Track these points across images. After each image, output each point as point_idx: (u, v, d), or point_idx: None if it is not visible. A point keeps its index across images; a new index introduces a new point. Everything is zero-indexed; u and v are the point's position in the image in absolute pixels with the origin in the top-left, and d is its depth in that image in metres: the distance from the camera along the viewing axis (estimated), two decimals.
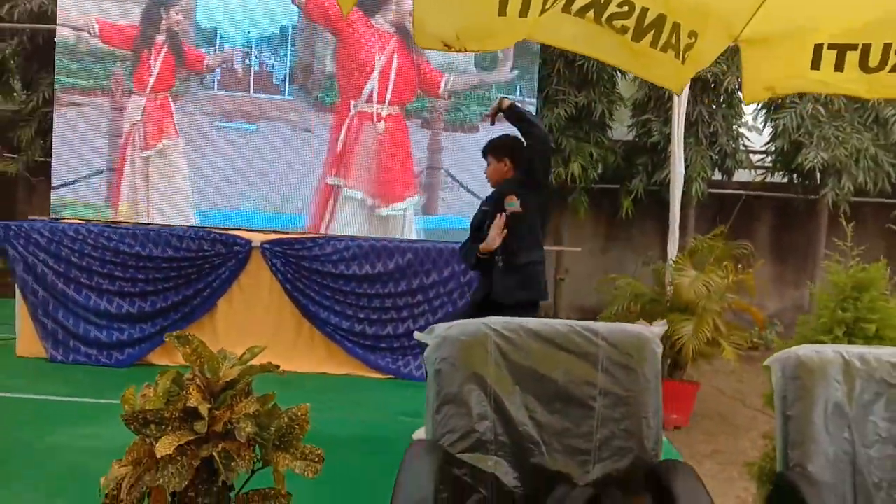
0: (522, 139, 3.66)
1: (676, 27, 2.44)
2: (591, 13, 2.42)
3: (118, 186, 5.48)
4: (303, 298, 4.91)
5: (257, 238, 4.98)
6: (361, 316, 4.92)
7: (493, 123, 3.84)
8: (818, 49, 2.34)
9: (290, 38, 5.49)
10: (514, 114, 3.60)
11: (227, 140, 5.53)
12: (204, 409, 2.06)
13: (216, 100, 5.52)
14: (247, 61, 5.50)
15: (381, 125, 5.48)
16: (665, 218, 5.66)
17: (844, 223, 2.57)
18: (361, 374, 4.93)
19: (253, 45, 5.48)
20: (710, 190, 7.25)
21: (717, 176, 7.31)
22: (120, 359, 4.90)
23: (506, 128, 3.78)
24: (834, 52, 2.31)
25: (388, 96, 5.49)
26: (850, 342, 2.25)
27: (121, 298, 4.92)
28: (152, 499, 2.10)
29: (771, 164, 7.36)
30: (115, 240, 4.87)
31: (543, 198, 3.71)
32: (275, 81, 5.53)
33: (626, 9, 2.41)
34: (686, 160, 6.37)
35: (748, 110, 8.52)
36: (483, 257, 3.62)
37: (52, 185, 5.54)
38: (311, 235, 5.07)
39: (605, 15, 2.43)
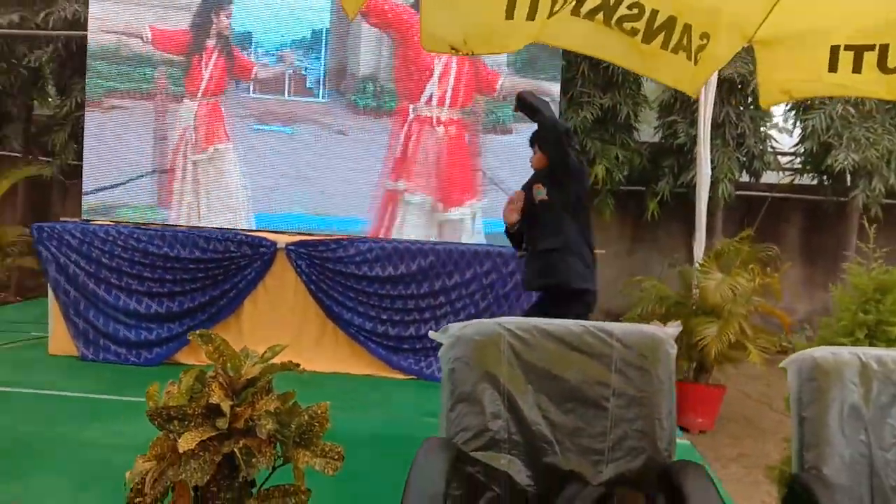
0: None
1: (687, 28, 2.42)
2: (600, 16, 2.41)
3: (170, 189, 5.55)
4: (326, 299, 4.96)
5: (282, 240, 5.04)
6: (384, 317, 4.96)
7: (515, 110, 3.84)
8: (835, 50, 2.29)
9: (323, 41, 5.53)
10: (521, 104, 3.58)
11: (268, 143, 5.57)
12: (226, 405, 2.10)
13: (252, 103, 5.58)
14: (280, 65, 5.55)
15: (441, 129, 5.48)
16: (691, 220, 5.62)
17: (867, 225, 2.53)
18: (384, 375, 4.97)
19: (287, 49, 5.52)
20: (738, 192, 7.17)
21: (745, 178, 7.24)
22: (148, 357, 5.00)
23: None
24: (851, 54, 2.27)
25: (448, 100, 5.50)
26: (871, 345, 2.22)
27: (149, 298, 5.02)
28: (175, 493, 2.14)
29: (800, 166, 7.26)
30: (144, 241, 4.97)
31: (566, 192, 3.63)
32: (308, 85, 5.57)
33: (635, 11, 2.40)
34: (713, 162, 6.31)
35: (777, 112, 8.44)
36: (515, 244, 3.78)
37: (84, 188, 5.65)
38: (335, 237, 5.12)
39: (615, 17, 2.42)
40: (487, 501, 1.76)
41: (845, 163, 6.51)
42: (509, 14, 2.28)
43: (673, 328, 1.85)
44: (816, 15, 2.31)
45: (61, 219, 5.66)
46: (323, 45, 5.54)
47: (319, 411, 2.25)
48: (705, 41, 2.46)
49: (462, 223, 5.56)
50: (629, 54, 2.51)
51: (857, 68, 2.29)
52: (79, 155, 6.37)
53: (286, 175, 5.54)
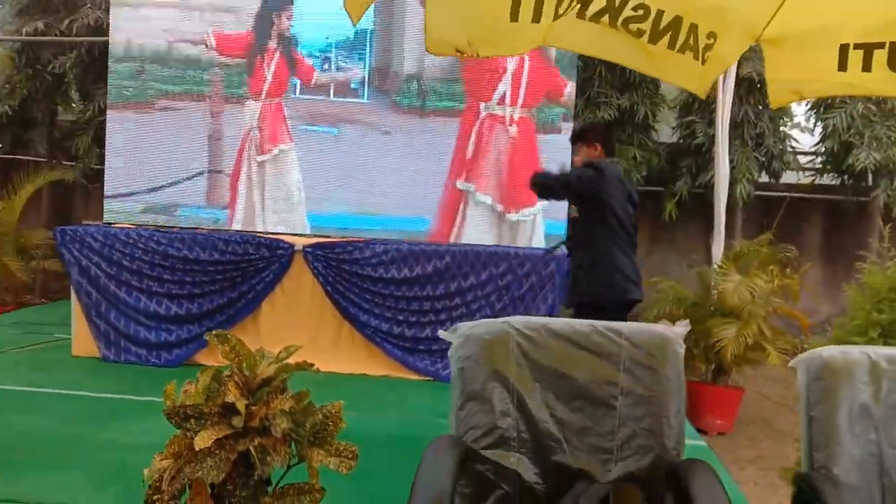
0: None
1: (694, 28, 2.41)
2: (605, 17, 2.41)
3: (234, 190, 5.58)
4: (343, 301, 5.00)
5: (299, 242, 5.08)
6: (400, 318, 4.98)
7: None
8: (844, 49, 2.27)
9: (366, 42, 5.54)
10: (538, 190, 3.84)
11: (317, 144, 5.58)
12: (241, 404, 2.13)
13: (298, 104, 5.60)
14: (325, 66, 5.58)
15: (514, 129, 5.41)
16: (710, 221, 5.59)
17: (881, 224, 2.51)
18: (400, 376, 4.99)
19: (333, 50, 5.56)
20: (758, 192, 7.11)
21: (765, 178, 7.17)
22: (168, 359, 5.06)
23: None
24: (860, 52, 2.24)
25: (521, 99, 5.43)
26: (885, 344, 2.20)
27: (169, 300, 5.09)
28: (192, 490, 2.18)
29: (820, 166, 7.18)
30: (164, 244, 5.04)
31: (585, 212, 3.78)
32: (353, 85, 5.59)
33: (641, 12, 2.39)
34: (731, 162, 6.26)
35: (799, 111, 8.35)
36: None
37: (130, 189, 5.69)
38: (352, 239, 5.15)
39: (621, 19, 2.41)
40: (497, 499, 1.78)
41: (866, 162, 6.43)
42: (514, 16, 2.29)
43: (681, 327, 1.85)
44: (824, 14, 2.29)
45: (83, 222, 5.75)
46: (367, 46, 5.55)
47: (333, 411, 2.28)
48: (712, 40, 2.45)
49: (524, 225, 5.51)
50: (636, 55, 2.51)
51: (866, 67, 2.26)
52: (101, 159, 6.47)
53: (336, 175, 5.55)
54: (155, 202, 5.65)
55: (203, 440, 2.03)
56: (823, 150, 6.98)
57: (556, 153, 5.17)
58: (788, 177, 7.35)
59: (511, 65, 5.42)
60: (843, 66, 2.29)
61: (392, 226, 5.49)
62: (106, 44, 6.04)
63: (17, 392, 4.32)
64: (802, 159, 7.49)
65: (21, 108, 7.89)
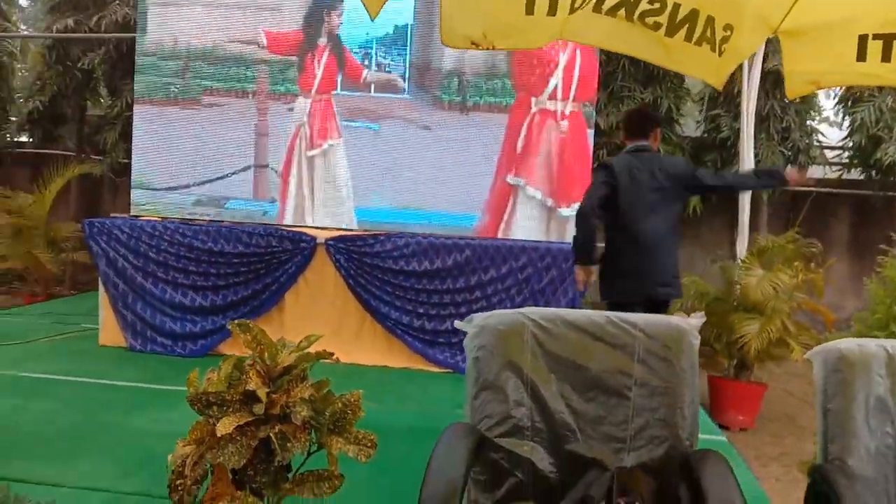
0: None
1: (710, 20, 2.39)
2: (622, 11, 2.39)
3: (285, 184, 5.63)
4: (364, 293, 5.04)
5: (322, 235, 5.13)
6: (421, 311, 5.01)
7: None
8: (863, 40, 2.24)
9: (407, 37, 5.55)
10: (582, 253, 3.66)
11: (359, 139, 5.61)
12: (262, 392, 2.17)
13: (339, 100, 5.63)
14: (366, 62, 5.61)
15: (565, 123, 5.36)
16: (735, 215, 5.54)
17: None
18: (421, 368, 5.02)
19: (373, 46, 5.58)
20: (785, 187, 7.02)
21: None
22: (193, 349, 5.14)
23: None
24: (880, 43, 2.21)
25: (572, 93, 5.37)
26: None
27: (194, 292, 5.17)
28: (214, 476, 2.23)
29: (847, 160, 7.08)
30: (190, 236, 5.11)
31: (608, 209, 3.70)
32: (393, 80, 5.61)
33: (657, 6, 2.37)
34: (756, 156, 6.21)
35: (828, 105, 8.23)
36: None
37: (132, 183, 5.77)
38: (373, 232, 5.19)
39: (637, 13, 2.40)
40: (511, 487, 1.79)
41: (895, 156, 6.33)
42: (529, 9, 2.28)
43: (696, 319, 1.85)
44: (843, 4, 2.26)
45: (111, 215, 5.85)
46: (407, 41, 5.56)
47: (353, 399, 2.30)
48: (729, 33, 2.43)
49: (574, 219, 5.45)
50: (653, 48, 2.49)
51: (886, 57, 2.23)
52: (128, 153, 6.58)
53: (379, 171, 5.58)
54: (203, 195, 5.72)
55: (225, 426, 2.07)
56: (851, 144, 6.87)
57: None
58: (815, 171, 7.25)
59: (563, 59, 5.37)
60: (862, 56, 2.26)
61: (438, 221, 5.49)
62: (133, 40, 6.13)
63: (46, 380, 4.42)
64: (829, 154, 7.39)
65: (51, 103, 8.06)
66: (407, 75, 5.56)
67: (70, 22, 7.64)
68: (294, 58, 5.62)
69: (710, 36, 2.42)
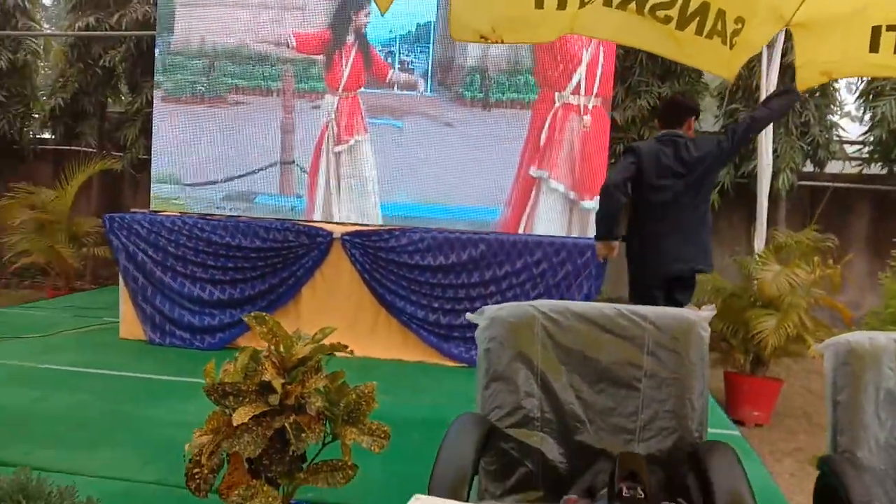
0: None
1: (721, 14, 2.38)
2: (632, 5, 2.39)
3: (313, 179, 5.69)
4: (380, 288, 5.07)
5: (338, 230, 5.17)
6: (436, 305, 5.04)
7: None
8: (876, 31, 2.22)
9: (430, 34, 5.58)
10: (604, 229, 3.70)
11: (383, 136, 5.65)
12: (277, 383, 2.20)
13: (363, 97, 5.67)
14: (389, 59, 5.65)
15: (587, 118, 5.40)
16: (753, 210, 5.51)
17: None
18: (435, 362, 5.05)
19: (397, 44, 5.61)
20: (804, 182, 6.97)
21: (810, 168, 7.02)
22: (211, 342, 5.21)
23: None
24: (893, 34, 2.19)
25: (595, 88, 5.40)
26: None
27: (212, 286, 5.23)
28: (231, 465, 2.27)
29: (867, 155, 6.99)
30: (208, 231, 5.18)
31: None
32: (416, 78, 5.64)
33: None
34: (775, 151, 6.16)
35: (850, 99, 8.12)
36: None
37: (153, 178, 5.86)
38: (388, 227, 5.22)
39: (648, 6, 2.39)
40: (520, 477, 1.81)
41: None
42: (539, 4, 2.28)
43: (706, 311, 1.86)
44: None
45: (131, 210, 5.93)
46: (430, 39, 5.59)
47: (367, 391, 2.33)
48: (740, 25, 2.42)
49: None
50: (664, 42, 2.48)
51: None
52: (147, 149, 6.66)
53: (403, 167, 5.61)
54: (232, 191, 5.78)
55: (241, 416, 2.11)
56: (871, 138, 6.79)
57: None
58: (834, 167, 7.18)
59: (586, 55, 5.39)
60: (874, 47, 2.25)
61: (462, 216, 5.52)
62: (153, 38, 6.20)
63: (68, 372, 4.51)
64: (849, 149, 7.30)
65: (73, 100, 8.18)
66: (430, 72, 5.60)
67: (91, 20, 7.75)
68: (321, 56, 5.68)
69: (720, 29, 2.41)
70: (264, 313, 2.40)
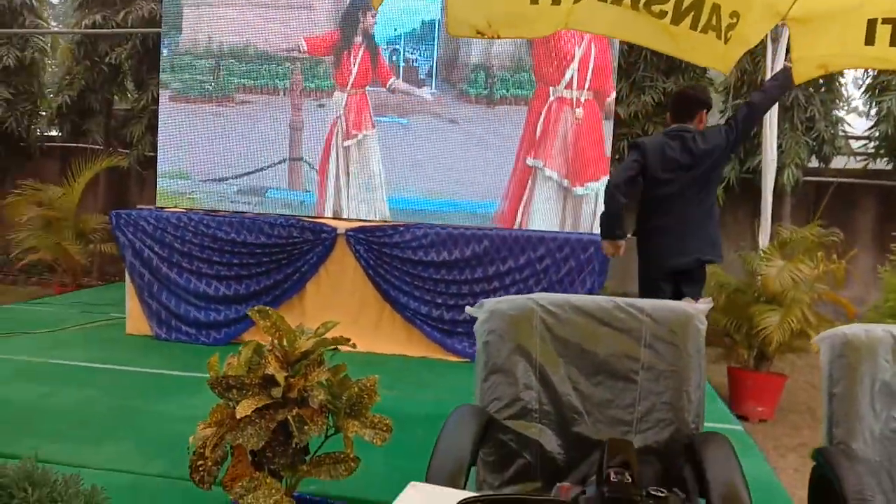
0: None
1: (716, 8, 2.39)
2: (627, 0, 2.40)
3: (322, 174, 5.75)
4: (384, 283, 5.09)
5: (342, 226, 5.19)
6: (439, 301, 5.06)
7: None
8: (871, 24, 2.23)
9: (434, 32, 5.62)
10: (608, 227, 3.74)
11: (388, 133, 5.70)
12: (280, 376, 2.23)
13: (368, 94, 5.71)
14: (394, 58, 5.68)
15: (580, 111, 5.54)
16: (758, 206, 5.50)
17: None
18: (439, 357, 5.07)
19: (401, 42, 5.65)
20: (809, 178, 6.95)
21: (816, 163, 7.00)
22: (217, 338, 5.24)
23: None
24: (889, 27, 2.20)
25: (587, 83, 5.54)
26: None
27: (218, 282, 5.26)
28: (234, 458, 2.29)
29: (873, 150, 6.97)
30: (213, 227, 5.20)
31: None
32: (420, 76, 5.68)
33: None
34: (780, 147, 6.16)
35: (855, 94, 8.09)
36: None
37: (158, 173, 5.88)
38: (392, 223, 5.24)
39: (643, 1, 2.40)
40: (519, 468, 1.83)
41: None
42: None
43: (703, 304, 1.87)
44: None
45: (137, 206, 5.97)
46: (435, 37, 5.63)
47: (368, 384, 2.36)
48: (735, 20, 2.42)
49: (588, 199, 5.60)
50: (659, 37, 2.48)
51: (894, 41, 2.22)
52: (153, 146, 6.70)
53: (408, 163, 5.68)
54: (244, 185, 5.84)
55: (244, 409, 2.13)
56: (877, 134, 6.77)
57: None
58: (839, 162, 7.16)
59: (578, 52, 5.51)
60: (870, 40, 2.25)
61: (463, 209, 5.60)
62: (159, 35, 6.23)
63: (75, 367, 4.55)
64: (855, 144, 7.28)
65: (80, 98, 8.23)
66: (434, 70, 5.64)
67: (98, 18, 7.79)
68: (330, 57, 5.74)
69: (715, 24, 2.42)
70: (268, 307, 2.42)
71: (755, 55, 6.21)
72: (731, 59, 2.63)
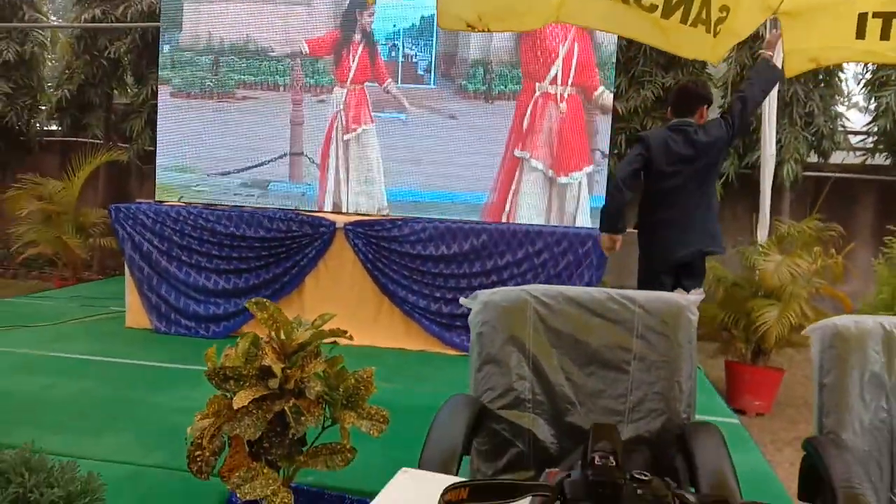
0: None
1: (706, 2, 2.39)
2: None
3: (323, 167, 5.79)
4: (382, 277, 5.11)
5: (341, 220, 5.21)
6: (437, 295, 5.08)
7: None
8: (862, 18, 2.24)
9: (433, 28, 5.64)
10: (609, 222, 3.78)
11: (386, 128, 5.75)
12: (277, 367, 2.24)
13: (367, 90, 5.75)
14: (393, 53, 5.70)
15: (563, 105, 5.64)
16: (757, 201, 5.50)
17: None
18: (437, 351, 5.09)
19: (401, 37, 5.67)
20: (808, 173, 6.95)
21: (815, 158, 7.00)
22: (216, 331, 5.26)
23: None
24: (879, 21, 2.21)
25: (571, 79, 5.64)
26: None
27: (217, 275, 5.28)
28: (232, 448, 2.31)
29: (872, 146, 6.97)
30: (213, 221, 5.22)
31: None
32: (419, 71, 5.71)
33: None
34: (779, 142, 6.15)
35: (855, 89, 8.09)
36: None
37: (157, 167, 5.91)
38: (390, 217, 5.26)
39: None
40: (512, 457, 1.85)
41: None
42: None
43: (695, 295, 1.89)
44: None
45: (137, 200, 5.98)
46: (434, 32, 5.65)
47: (365, 376, 2.38)
48: (725, 14, 2.43)
49: (572, 187, 5.68)
50: (649, 30, 2.49)
51: (885, 35, 2.23)
52: (153, 141, 6.70)
53: (407, 157, 5.73)
54: (247, 179, 5.87)
55: (241, 400, 2.15)
56: (877, 129, 6.77)
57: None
58: (838, 157, 7.15)
59: (563, 49, 5.61)
60: (861, 34, 2.27)
61: (458, 199, 5.66)
62: (158, 29, 6.23)
63: (75, 360, 4.57)
64: (854, 139, 7.28)
65: (79, 92, 8.22)
66: (433, 65, 5.68)
67: (97, 12, 7.78)
68: (330, 56, 5.77)
69: (705, 17, 2.43)
70: (265, 300, 2.44)
71: (754, 50, 6.21)
72: (721, 51, 2.65)
